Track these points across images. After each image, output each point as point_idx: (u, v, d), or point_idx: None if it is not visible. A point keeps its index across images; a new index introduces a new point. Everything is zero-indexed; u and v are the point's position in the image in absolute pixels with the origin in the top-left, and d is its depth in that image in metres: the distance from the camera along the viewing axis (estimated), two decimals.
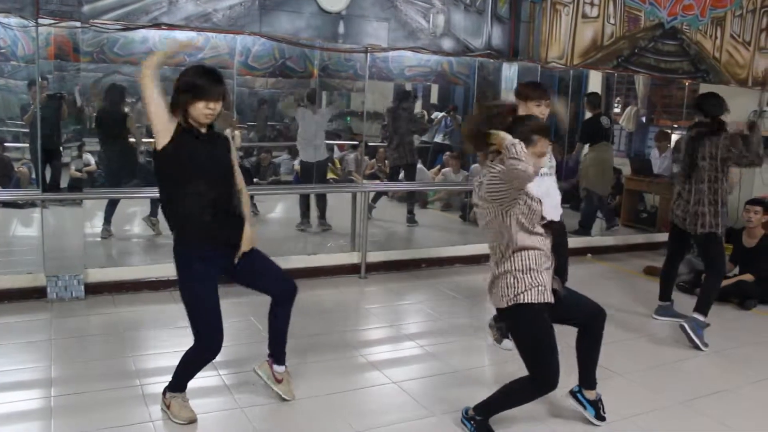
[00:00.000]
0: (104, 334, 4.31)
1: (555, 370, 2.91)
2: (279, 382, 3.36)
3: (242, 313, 4.43)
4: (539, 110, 3.86)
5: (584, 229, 7.47)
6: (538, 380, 2.96)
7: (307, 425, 3.20)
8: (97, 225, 6.44)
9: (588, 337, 3.20)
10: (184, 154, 2.91)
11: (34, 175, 7.09)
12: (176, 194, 2.97)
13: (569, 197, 8.56)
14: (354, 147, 9.85)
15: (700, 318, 4.49)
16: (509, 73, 6.25)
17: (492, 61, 6.25)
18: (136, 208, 7.28)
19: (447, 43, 5.86)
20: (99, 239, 6.30)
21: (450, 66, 7.99)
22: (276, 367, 3.37)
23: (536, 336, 2.92)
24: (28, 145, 7.60)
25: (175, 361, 3.15)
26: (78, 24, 4.61)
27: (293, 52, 7.53)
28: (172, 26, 4.84)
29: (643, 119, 10.40)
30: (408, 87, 9.10)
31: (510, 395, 3.06)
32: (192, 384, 3.20)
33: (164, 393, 3.19)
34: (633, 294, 5.69)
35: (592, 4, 6.37)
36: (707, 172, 4.53)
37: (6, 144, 8.10)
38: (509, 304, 2.89)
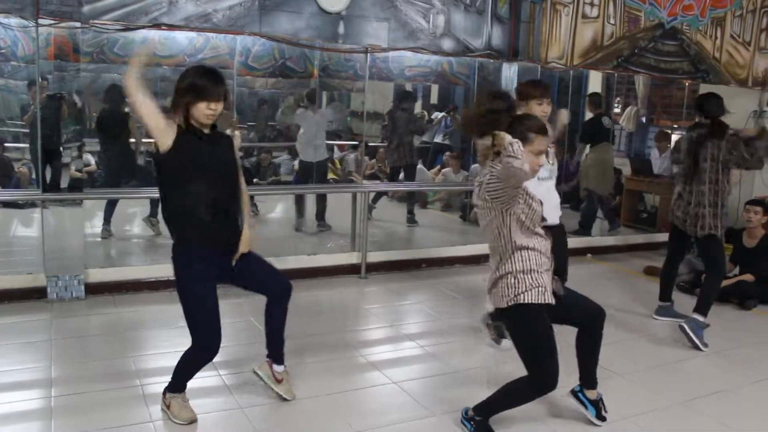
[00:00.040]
0: (105, 334, 4.32)
1: (554, 371, 2.92)
2: (279, 382, 3.36)
3: (242, 313, 4.43)
4: (540, 109, 3.86)
5: (584, 229, 7.47)
6: (538, 381, 2.96)
7: (307, 425, 3.20)
8: (97, 225, 6.44)
9: (588, 338, 3.21)
10: (186, 155, 2.91)
11: (34, 176, 7.08)
12: (177, 194, 2.98)
13: (569, 197, 8.57)
14: (354, 147, 9.85)
15: (700, 318, 4.49)
16: (509, 73, 6.25)
17: (492, 61, 6.25)
18: (137, 208, 7.28)
19: (447, 44, 5.86)
20: (99, 239, 6.31)
21: (450, 66, 7.98)
22: (275, 367, 3.37)
23: (536, 336, 2.93)
24: (28, 145, 7.60)
25: (175, 361, 3.15)
26: (78, 24, 4.61)
27: (293, 52, 7.53)
28: (172, 27, 4.84)
29: (643, 119, 10.40)
30: (408, 87, 9.10)
31: (510, 395, 3.07)
32: (192, 384, 3.20)
33: (164, 393, 3.19)
34: (633, 294, 5.69)
35: (592, 5, 6.37)
36: (708, 174, 4.53)
37: (6, 144, 8.11)
38: (509, 304, 2.90)
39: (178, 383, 3.16)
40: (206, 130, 2.99)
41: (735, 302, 5.44)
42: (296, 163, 7.77)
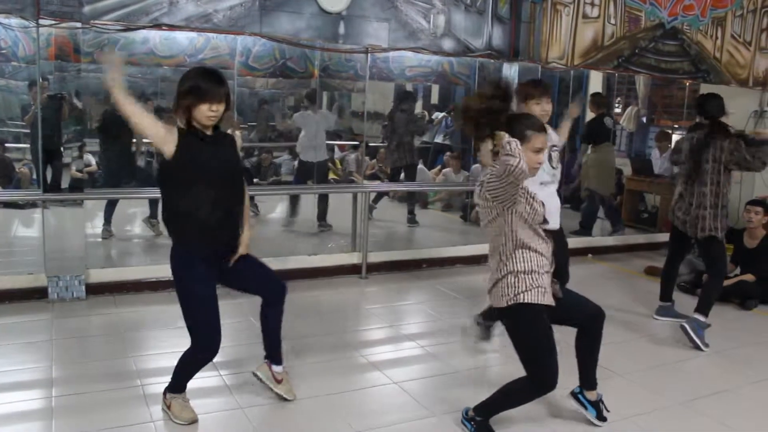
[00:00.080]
0: (105, 334, 4.32)
1: (554, 371, 2.92)
2: (279, 382, 3.37)
3: (242, 313, 4.43)
4: (539, 108, 3.85)
5: (585, 230, 7.47)
6: (537, 381, 2.96)
7: (307, 425, 3.20)
8: (97, 225, 6.44)
9: (587, 338, 3.21)
10: (188, 156, 2.91)
11: (35, 176, 7.10)
12: (178, 195, 2.98)
13: (570, 197, 8.57)
14: (355, 147, 9.85)
15: (701, 318, 4.49)
16: (510, 73, 6.25)
17: (492, 61, 6.25)
18: (137, 208, 7.29)
19: (447, 44, 5.86)
20: (100, 240, 6.31)
21: (450, 66, 7.99)
22: (274, 368, 3.37)
23: (535, 336, 2.93)
24: (28, 145, 7.60)
25: (175, 362, 3.15)
26: (79, 25, 4.61)
27: (294, 52, 7.54)
28: (172, 27, 4.85)
29: (644, 119, 10.40)
30: (409, 87, 9.10)
31: (509, 395, 3.07)
32: (192, 384, 3.21)
33: (165, 394, 3.19)
34: (633, 294, 5.69)
35: (592, 5, 6.36)
36: (710, 175, 4.52)
37: (7, 144, 8.12)
38: (509, 303, 2.90)
39: (178, 383, 3.16)
40: (208, 131, 2.99)
41: (736, 302, 5.44)
42: (296, 163, 7.77)
